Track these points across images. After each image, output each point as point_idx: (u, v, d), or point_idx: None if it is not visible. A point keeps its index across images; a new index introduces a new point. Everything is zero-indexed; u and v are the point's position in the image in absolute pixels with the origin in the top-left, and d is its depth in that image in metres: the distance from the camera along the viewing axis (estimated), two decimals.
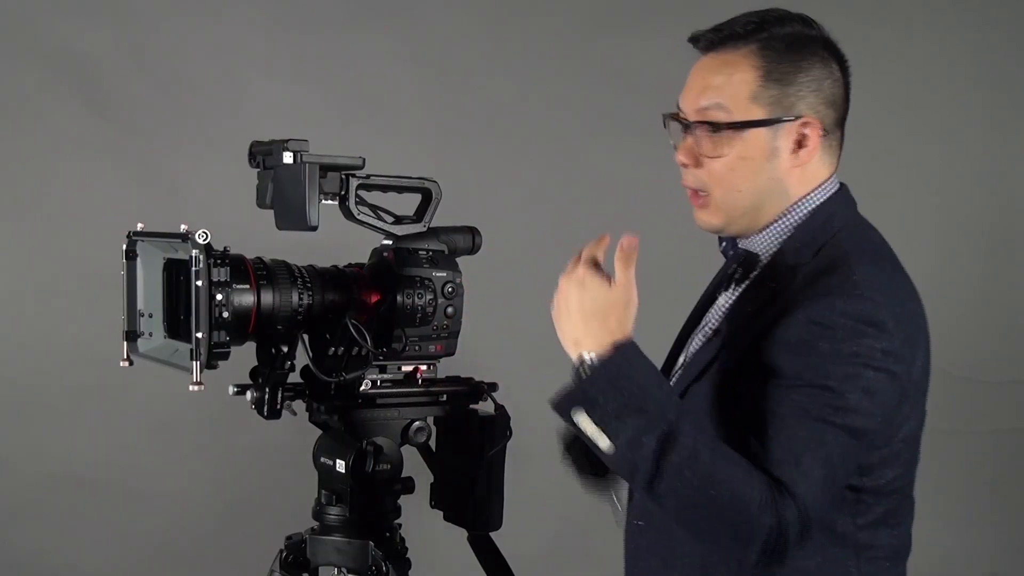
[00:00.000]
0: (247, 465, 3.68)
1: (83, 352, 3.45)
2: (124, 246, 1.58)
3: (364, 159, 1.56)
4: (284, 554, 1.70)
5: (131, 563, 3.58)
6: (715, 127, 1.50)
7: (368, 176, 1.58)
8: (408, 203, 1.65)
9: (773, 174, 1.53)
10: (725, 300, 1.62)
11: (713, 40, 1.55)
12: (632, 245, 1.42)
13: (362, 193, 1.58)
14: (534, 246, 3.71)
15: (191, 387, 1.42)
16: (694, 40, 1.58)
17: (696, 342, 1.64)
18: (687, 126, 1.54)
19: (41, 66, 3.55)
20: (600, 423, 1.33)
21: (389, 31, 3.77)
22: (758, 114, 1.50)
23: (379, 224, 1.61)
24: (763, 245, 1.57)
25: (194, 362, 1.41)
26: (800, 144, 1.52)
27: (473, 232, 1.70)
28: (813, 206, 1.55)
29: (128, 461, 3.60)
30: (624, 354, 1.36)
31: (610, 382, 1.34)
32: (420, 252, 1.61)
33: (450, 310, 1.62)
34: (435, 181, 1.64)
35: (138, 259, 1.57)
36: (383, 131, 3.67)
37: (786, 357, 1.39)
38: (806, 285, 1.46)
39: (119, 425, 3.59)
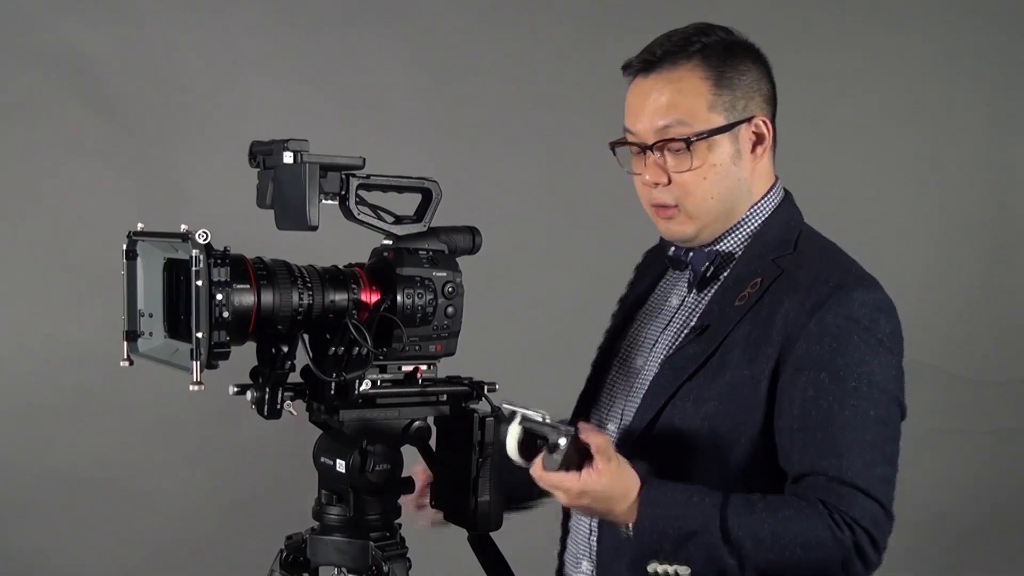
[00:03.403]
0: (247, 465, 3.68)
1: (83, 352, 3.45)
2: (124, 246, 1.57)
3: (364, 159, 1.56)
4: (284, 554, 1.70)
5: (131, 563, 3.58)
6: (684, 143, 1.54)
7: (368, 176, 1.57)
8: (408, 203, 1.65)
9: (740, 175, 1.60)
10: (696, 299, 1.64)
11: (650, 61, 1.59)
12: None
13: (362, 193, 1.57)
14: (534, 246, 3.71)
15: (191, 387, 1.42)
16: (627, 66, 1.62)
17: (664, 342, 1.64)
18: (647, 148, 1.58)
19: (41, 66, 3.54)
20: (672, 561, 1.46)
21: (389, 31, 3.77)
22: (718, 121, 1.56)
23: (379, 224, 1.61)
24: (734, 244, 1.62)
25: (194, 362, 1.41)
26: (758, 141, 1.59)
27: (473, 232, 1.69)
28: (775, 204, 1.63)
29: (128, 461, 3.60)
30: (647, 505, 1.46)
31: (655, 534, 1.45)
32: (420, 252, 1.61)
33: (450, 310, 1.61)
34: (435, 181, 1.64)
35: (138, 259, 1.57)
36: (383, 131, 3.67)
37: (826, 354, 1.47)
38: (811, 277, 1.51)
39: (119, 425, 3.59)
